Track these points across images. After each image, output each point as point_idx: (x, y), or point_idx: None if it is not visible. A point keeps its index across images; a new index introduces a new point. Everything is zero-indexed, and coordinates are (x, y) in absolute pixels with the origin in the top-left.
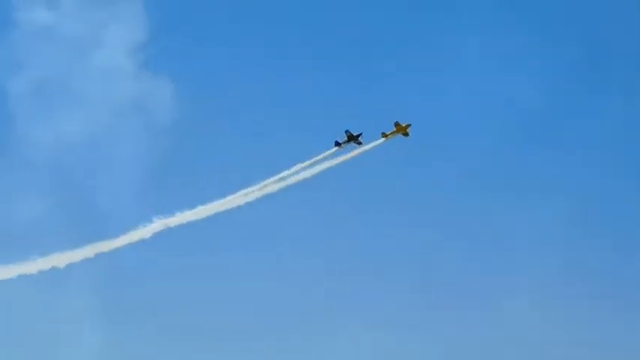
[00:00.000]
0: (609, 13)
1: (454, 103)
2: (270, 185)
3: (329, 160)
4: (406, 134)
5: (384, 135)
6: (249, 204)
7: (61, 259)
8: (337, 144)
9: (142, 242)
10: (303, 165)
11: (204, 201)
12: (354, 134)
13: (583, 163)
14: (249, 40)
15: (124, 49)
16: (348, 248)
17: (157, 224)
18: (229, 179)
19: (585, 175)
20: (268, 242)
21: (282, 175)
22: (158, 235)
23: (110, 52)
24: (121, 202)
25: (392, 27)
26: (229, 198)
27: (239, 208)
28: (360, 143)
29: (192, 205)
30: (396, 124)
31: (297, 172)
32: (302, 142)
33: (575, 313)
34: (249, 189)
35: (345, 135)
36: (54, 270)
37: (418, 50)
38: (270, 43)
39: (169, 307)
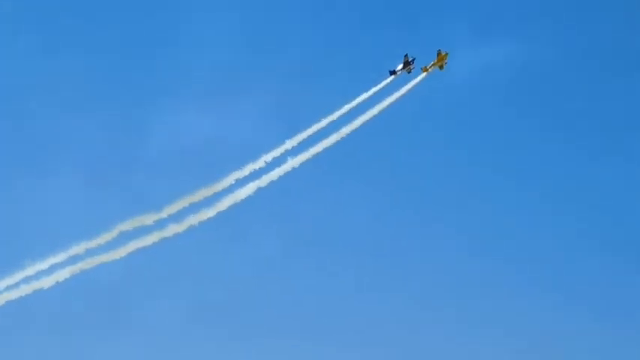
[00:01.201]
0: None
1: None
2: None
3: (370, 110)
4: (442, 67)
5: (424, 69)
6: None
7: None
8: (392, 72)
9: None
10: (351, 104)
11: None
12: (410, 59)
13: None
14: None
15: None
16: None
17: None
18: None
19: None
20: None
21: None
22: None
23: None
24: None
25: None
26: None
27: None
28: (410, 71)
29: None
30: (438, 53)
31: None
32: None
33: None
34: None
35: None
36: None
37: None
38: None
39: None
